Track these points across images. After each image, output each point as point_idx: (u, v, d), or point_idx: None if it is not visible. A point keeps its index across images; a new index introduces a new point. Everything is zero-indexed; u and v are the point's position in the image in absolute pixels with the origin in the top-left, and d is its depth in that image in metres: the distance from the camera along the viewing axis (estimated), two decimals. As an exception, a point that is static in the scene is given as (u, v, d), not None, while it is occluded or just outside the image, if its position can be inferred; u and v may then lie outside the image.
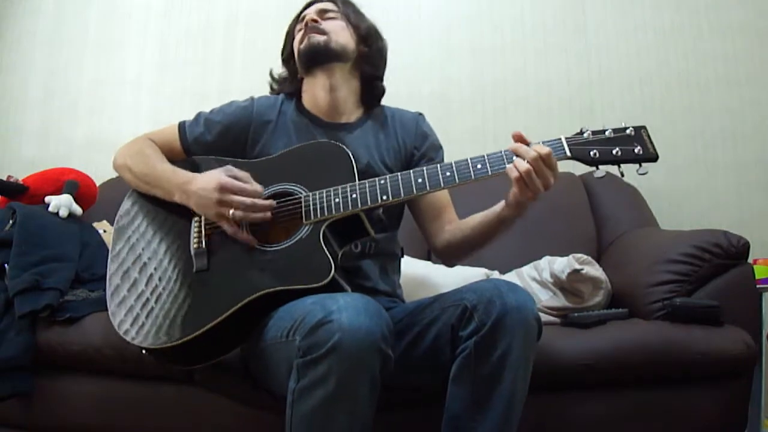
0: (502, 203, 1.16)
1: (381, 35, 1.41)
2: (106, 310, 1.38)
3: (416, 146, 1.38)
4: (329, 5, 1.38)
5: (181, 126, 1.37)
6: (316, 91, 1.35)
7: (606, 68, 2.36)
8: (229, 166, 1.19)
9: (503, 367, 0.99)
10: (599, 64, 2.37)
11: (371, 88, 1.40)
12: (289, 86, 1.43)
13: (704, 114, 2.28)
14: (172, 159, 1.32)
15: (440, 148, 1.42)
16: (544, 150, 1.04)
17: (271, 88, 1.47)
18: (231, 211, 1.12)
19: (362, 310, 0.90)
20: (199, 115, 1.38)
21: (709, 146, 2.25)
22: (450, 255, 1.34)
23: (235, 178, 1.15)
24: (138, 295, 1.19)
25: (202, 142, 1.35)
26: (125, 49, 2.62)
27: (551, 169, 1.05)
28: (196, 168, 1.29)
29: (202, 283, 1.16)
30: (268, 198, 1.18)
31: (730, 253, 1.38)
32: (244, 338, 1.16)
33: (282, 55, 1.46)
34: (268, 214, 1.15)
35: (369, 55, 1.37)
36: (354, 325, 0.88)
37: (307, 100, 1.38)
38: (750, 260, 1.43)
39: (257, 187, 1.16)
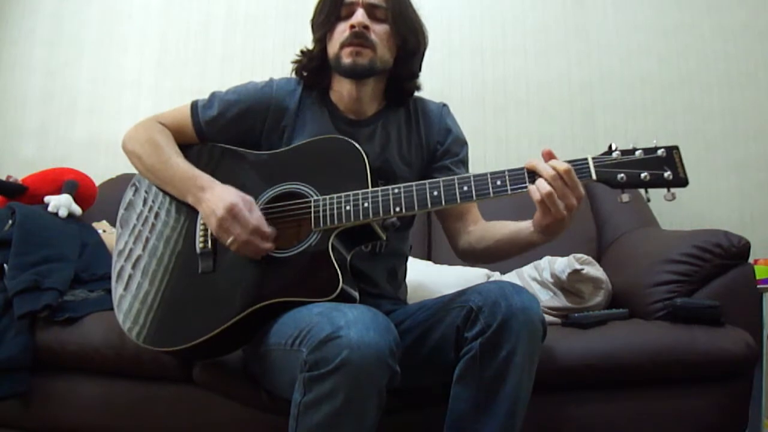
0: (529, 224, 1.10)
1: (423, 29, 1.30)
2: (105, 310, 1.40)
3: (439, 141, 1.32)
4: None
5: (194, 107, 1.30)
6: (342, 91, 1.29)
7: (606, 68, 2.36)
8: (252, 202, 1.12)
9: (508, 369, 0.98)
10: (600, 64, 2.37)
11: (400, 87, 1.32)
12: (319, 81, 1.31)
13: (705, 114, 2.28)
14: (183, 143, 1.28)
15: (465, 143, 1.35)
16: (563, 166, 0.98)
17: (299, 72, 1.32)
18: (230, 239, 1.08)
19: (371, 325, 0.89)
20: (213, 95, 1.31)
21: (709, 146, 2.25)
22: (472, 258, 1.31)
23: (250, 210, 1.10)
24: (142, 293, 1.19)
25: (215, 126, 1.28)
26: (125, 48, 2.62)
27: (572, 189, 0.99)
28: (203, 158, 1.27)
29: (207, 285, 1.15)
30: (278, 196, 1.17)
31: (731, 253, 1.38)
32: (247, 341, 1.16)
33: (313, 29, 1.30)
34: (262, 252, 1.10)
35: (405, 58, 1.27)
36: (363, 342, 0.87)
37: (334, 92, 1.31)
38: (750, 260, 1.43)
39: (266, 230, 1.10)
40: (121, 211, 1.32)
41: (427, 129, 1.33)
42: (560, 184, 0.99)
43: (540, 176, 1.00)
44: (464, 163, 1.34)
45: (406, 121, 1.33)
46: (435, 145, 1.32)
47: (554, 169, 0.99)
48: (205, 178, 1.17)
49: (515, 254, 1.19)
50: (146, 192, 1.31)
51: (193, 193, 1.16)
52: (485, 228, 1.27)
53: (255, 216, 1.10)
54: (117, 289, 1.23)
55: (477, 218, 1.31)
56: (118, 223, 1.31)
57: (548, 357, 1.25)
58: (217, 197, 1.11)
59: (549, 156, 1.02)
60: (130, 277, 1.22)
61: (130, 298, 1.20)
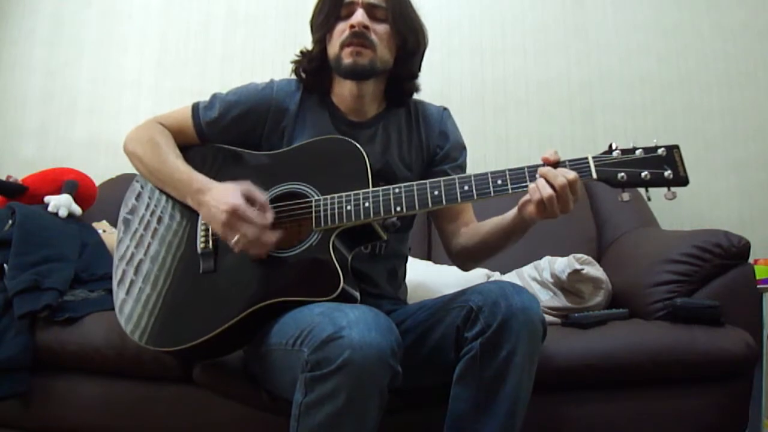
0: (515, 211, 1.12)
1: (423, 29, 1.30)
2: (106, 310, 1.40)
3: (439, 145, 1.32)
4: None
5: (195, 109, 1.30)
6: (343, 92, 1.28)
7: (606, 68, 2.36)
8: (248, 184, 1.11)
9: (508, 369, 0.99)
10: (599, 64, 2.37)
11: (400, 87, 1.32)
12: (318, 82, 1.31)
13: (704, 114, 2.28)
14: (184, 144, 1.28)
15: (464, 148, 1.35)
16: (571, 176, 1.00)
17: (298, 73, 1.32)
18: (235, 238, 1.07)
19: (372, 325, 0.89)
20: (214, 97, 1.31)
21: (709, 146, 2.25)
22: (466, 259, 1.31)
23: (252, 200, 1.09)
24: (143, 293, 1.19)
25: (216, 127, 1.28)
26: (125, 48, 2.62)
27: (574, 195, 1.01)
28: (206, 159, 1.27)
29: (209, 285, 1.15)
30: (278, 196, 1.17)
31: (731, 253, 1.38)
32: (247, 341, 1.16)
33: (312, 29, 1.30)
34: (267, 249, 1.09)
35: (405, 58, 1.28)
36: (365, 342, 0.87)
37: (335, 94, 1.31)
38: (750, 260, 1.43)
39: (268, 217, 1.09)
40: (122, 213, 1.32)
41: (427, 132, 1.33)
42: (566, 191, 1.00)
43: (548, 182, 1.00)
44: (462, 168, 1.34)
45: (406, 124, 1.32)
46: (435, 149, 1.32)
47: (564, 177, 0.99)
48: (201, 180, 1.16)
49: (505, 244, 1.20)
50: (149, 197, 1.30)
51: (192, 197, 1.16)
52: (476, 226, 1.28)
53: (259, 201, 1.09)
54: (119, 294, 1.22)
55: (470, 220, 1.32)
56: (119, 226, 1.31)
57: (548, 357, 1.25)
58: (217, 200, 1.10)
59: (547, 161, 1.03)
60: (132, 282, 1.22)
61: (132, 303, 1.19)
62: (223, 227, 1.08)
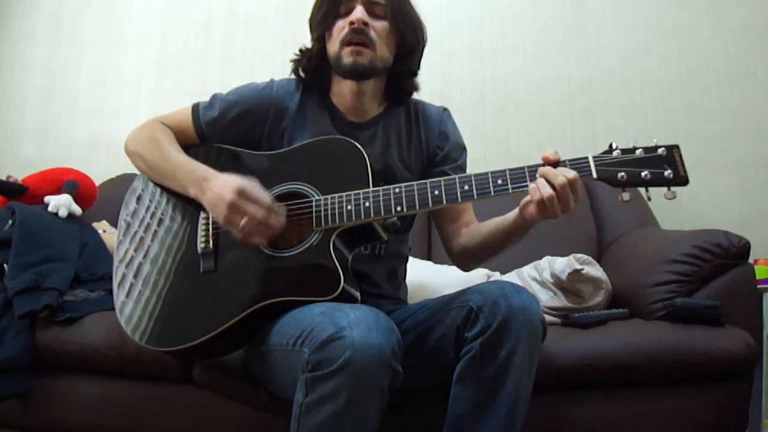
0: (516, 211, 1.12)
1: (422, 26, 1.30)
2: (106, 310, 1.40)
3: (439, 145, 1.32)
4: None
5: (195, 109, 1.30)
6: (343, 91, 1.28)
7: (606, 68, 2.36)
8: (252, 180, 1.10)
9: (508, 369, 0.99)
10: (599, 64, 2.37)
11: (400, 85, 1.31)
12: (318, 81, 1.31)
13: (704, 114, 2.28)
14: (185, 144, 1.28)
15: (464, 148, 1.35)
16: (571, 175, 1.00)
17: (298, 72, 1.32)
18: (242, 221, 1.05)
19: (373, 326, 0.89)
20: (214, 97, 1.31)
21: (709, 146, 2.25)
22: (466, 259, 1.31)
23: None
24: (142, 296, 1.19)
25: (216, 127, 1.28)
26: (125, 48, 2.62)
27: (574, 194, 1.00)
28: (206, 158, 1.26)
29: (209, 285, 1.15)
30: (279, 196, 1.16)
31: (731, 253, 1.38)
32: (248, 341, 1.16)
33: (311, 27, 1.30)
34: (278, 229, 1.08)
35: (404, 55, 1.28)
36: (365, 342, 0.87)
37: (334, 93, 1.31)
38: (750, 260, 1.43)
39: (276, 206, 1.08)
40: (122, 215, 1.32)
41: (427, 133, 1.33)
42: (566, 190, 0.99)
43: (548, 182, 1.00)
44: (463, 169, 1.33)
45: (406, 124, 1.32)
46: (434, 149, 1.32)
47: (564, 176, 0.99)
48: (205, 169, 1.15)
49: (505, 245, 1.20)
50: (150, 199, 1.30)
51: (195, 185, 1.14)
52: (477, 227, 1.28)
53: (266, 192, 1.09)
54: (119, 295, 1.22)
55: (471, 220, 1.32)
56: (119, 228, 1.31)
57: (548, 357, 1.25)
58: (223, 182, 1.09)
59: (547, 161, 1.03)
60: (131, 285, 1.22)
61: (131, 305, 1.19)
62: (229, 209, 1.05)
